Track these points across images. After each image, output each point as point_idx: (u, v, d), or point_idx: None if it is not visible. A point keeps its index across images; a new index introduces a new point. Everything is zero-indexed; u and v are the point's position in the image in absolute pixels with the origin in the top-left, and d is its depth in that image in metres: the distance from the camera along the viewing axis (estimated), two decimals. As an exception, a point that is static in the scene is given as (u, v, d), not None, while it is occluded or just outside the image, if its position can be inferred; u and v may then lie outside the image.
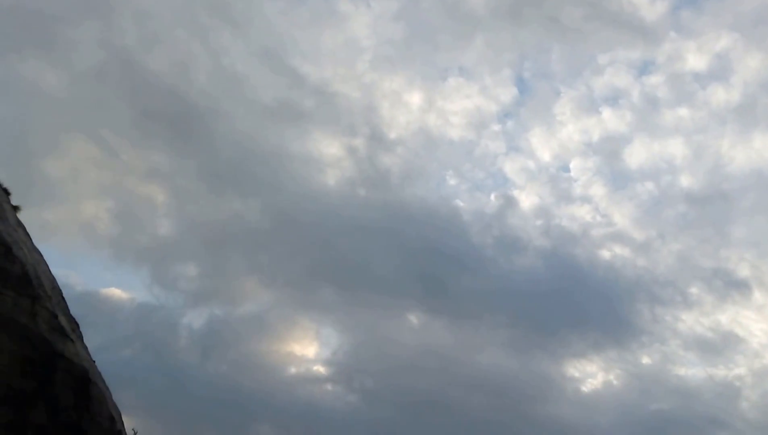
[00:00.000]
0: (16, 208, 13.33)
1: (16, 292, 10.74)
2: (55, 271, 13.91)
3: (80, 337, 12.81)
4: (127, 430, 13.45)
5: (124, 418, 13.08)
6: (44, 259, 13.69)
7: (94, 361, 12.79)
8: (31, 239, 13.27)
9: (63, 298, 13.38)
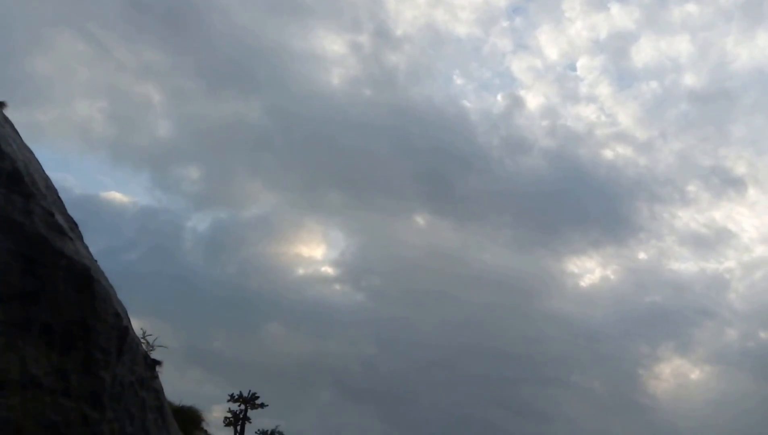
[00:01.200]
0: (1, 105, 12.70)
1: (8, 189, 10.35)
2: (50, 174, 13.43)
3: (80, 236, 12.56)
4: (135, 330, 13.52)
5: (132, 321, 13.11)
6: (36, 159, 13.21)
7: (95, 260, 12.62)
8: (20, 137, 12.73)
9: (59, 198, 13.01)
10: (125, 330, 12.16)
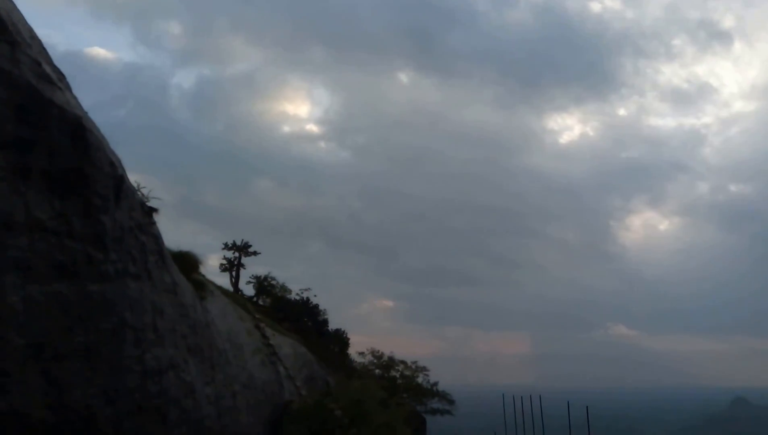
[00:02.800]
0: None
1: (-8, 37, 10.33)
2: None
3: (68, 87, 12.65)
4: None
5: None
6: (18, 9, 12.91)
7: (86, 112, 12.83)
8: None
9: (44, 49, 12.90)
10: (121, 178, 12.69)
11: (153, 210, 15.02)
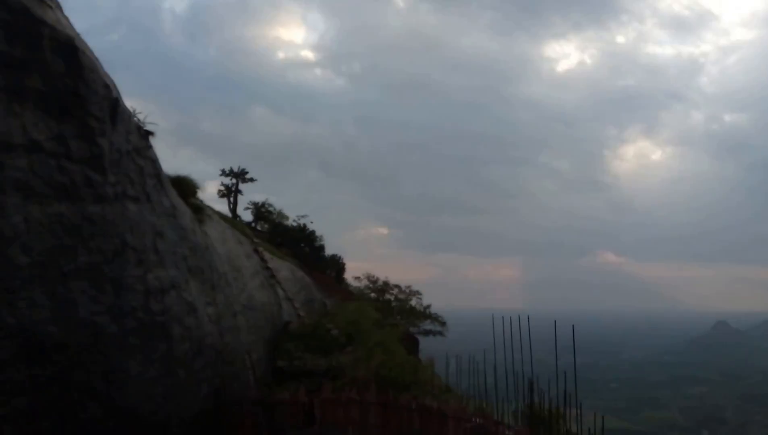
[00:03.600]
0: None
1: (-22, -49, 10.02)
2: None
3: (59, 6, 12.36)
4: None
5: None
6: None
7: (78, 33, 12.58)
8: None
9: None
10: (116, 101, 12.61)
11: (149, 133, 14.99)
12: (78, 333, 11.26)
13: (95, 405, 11.62)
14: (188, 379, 14.58)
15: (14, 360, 10.08)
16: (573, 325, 9.78)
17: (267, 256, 24.60)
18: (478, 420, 13.28)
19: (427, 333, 36.75)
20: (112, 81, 12.91)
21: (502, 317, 13.51)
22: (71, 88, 11.30)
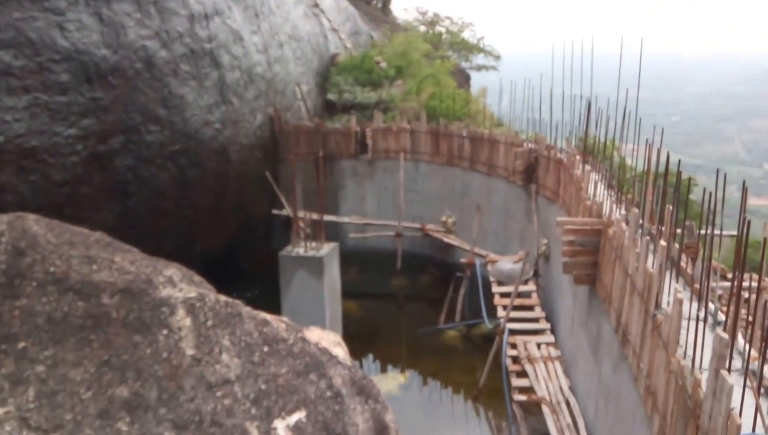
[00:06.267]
0: None
1: None
2: None
3: None
4: None
5: None
6: None
7: None
8: None
9: None
10: None
11: None
12: (130, 57, 11.23)
13: (158, 129, 12.10)
14: (242, 108, 14.87)
15: (75, 83, 10.27)
16: (640, 58, 9.05)
17: (310, -17, 23.10)
18: (529, 145, 13.42)
19: (479, 68, 35.37)
20: None
21: (563, 43, 12.65)
22: None
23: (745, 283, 4.75)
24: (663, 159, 6.09)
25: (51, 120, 9.89)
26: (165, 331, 5.65)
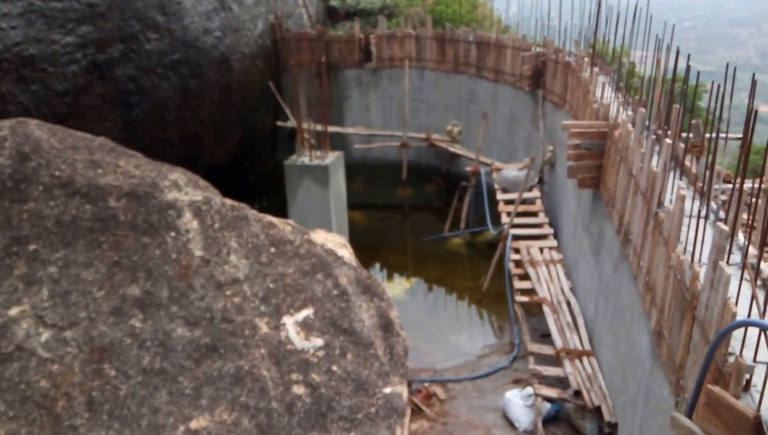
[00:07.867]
0: None
1: None
2: None
3: None
4: None
5: None
6: None
7: None
8: None
9: None
10: None
11: None
12: (123, -39, 10.81)
13: (157, 37, 11.80)
14: (242, 14, 14.41)
15: (67, -11, 9.94)
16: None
17: None
18: (537, 49, 13.04)
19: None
20: None
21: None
22: None
23: (747, 186, 4.74)
24: (672, 64, 5.91)
25: (48, 27, 9.65)
26: (173, 233, 5.79)
